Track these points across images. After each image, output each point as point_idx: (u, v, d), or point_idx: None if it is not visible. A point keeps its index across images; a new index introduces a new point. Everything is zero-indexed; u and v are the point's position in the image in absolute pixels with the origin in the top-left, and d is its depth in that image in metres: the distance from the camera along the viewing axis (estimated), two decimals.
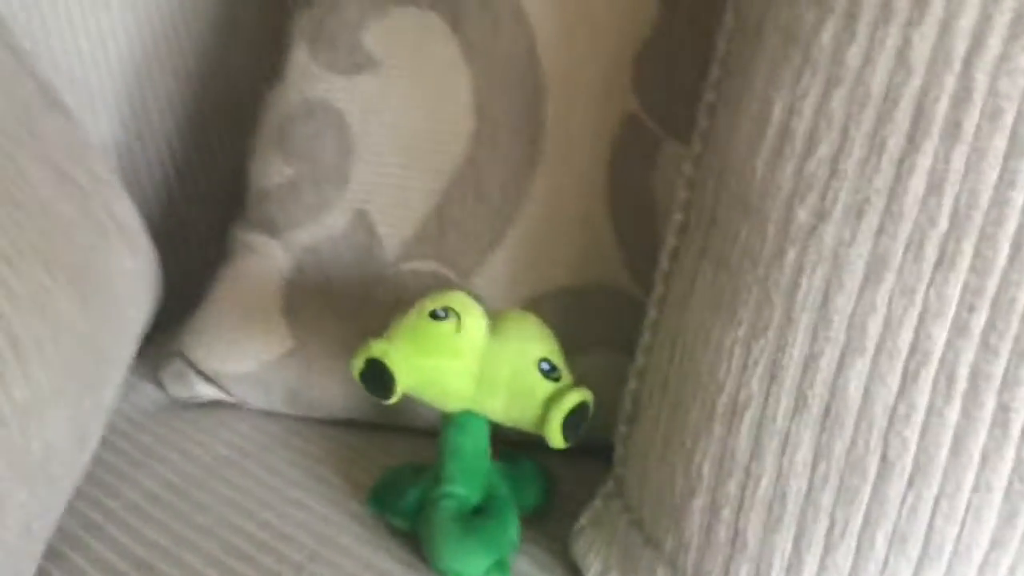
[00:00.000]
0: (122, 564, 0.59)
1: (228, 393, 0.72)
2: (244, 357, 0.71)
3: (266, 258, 0.73)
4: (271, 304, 0.72)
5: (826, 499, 0.48)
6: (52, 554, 0.58)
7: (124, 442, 0.69)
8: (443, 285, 0.68)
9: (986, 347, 0.45)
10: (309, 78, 0.71)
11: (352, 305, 0.70)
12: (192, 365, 0.73)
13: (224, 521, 0.62)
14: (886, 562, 0.48)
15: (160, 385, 0.74)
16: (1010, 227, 0.45)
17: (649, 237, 0.65)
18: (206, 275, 0.75)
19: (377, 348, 0.55)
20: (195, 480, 0.66)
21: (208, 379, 0.72)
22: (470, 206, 0.68)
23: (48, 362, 0.50)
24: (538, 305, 0.67)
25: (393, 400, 0.56)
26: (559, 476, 0.65)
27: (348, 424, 0.72)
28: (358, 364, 0.56)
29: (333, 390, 0.70)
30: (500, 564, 0.57)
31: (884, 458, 0.47)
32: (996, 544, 0.46)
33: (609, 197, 0.67)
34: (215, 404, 0.73)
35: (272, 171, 0.73)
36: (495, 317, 0.59)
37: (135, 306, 0.64)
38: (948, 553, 0.47)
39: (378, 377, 0.55)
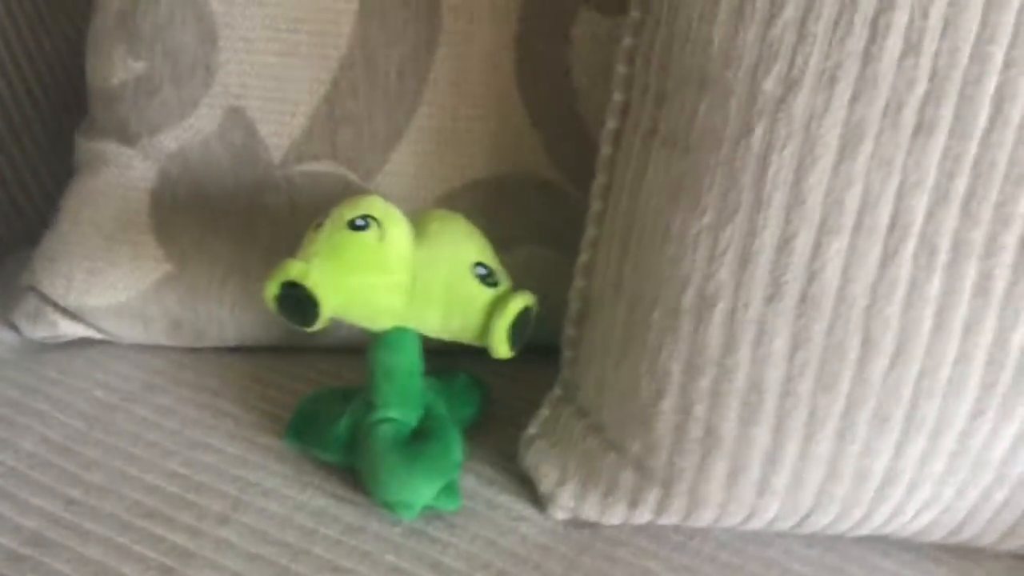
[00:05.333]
0: (10, 541, 0.50)
1: (98, 329, 0.63)
2: (112, 287, 0.62)
3: (122, 169, 0.63)
4: (136, 222, 0.62)
5: (805, 387, 0.46)
6: None
7: None
8: (342, 187, 0.61)
9: (967, 215, 0.43)
10: None
11: (236, 218, 0.62)
12: (49, 300, 0.63)
13: (123, 477, 0.54)
14: (867, 443, 0.46)
15: (14, 327, 0.64)
16: (990, 85, 0.42)
17: (568, 119, 0.60)
18: (55, 195, 0.64)
19: (295, 269, 0.48)
20: (76, 434, 0.57)
21: (71, 315, 0.63)
22: (364, 95, 0.60)
23: None
24: (453, 202, 0.61)
25: (317, 327, 0.49)
26: (489, 384, 0.60)
27: (243, 351, 0.64)
28: (273, 289, 0.48)
29: (223, 315, 0.62)
30: (448, 487, 0.53)
31: (865, 340, 0.45)
32: (976, 414, 0.45)
33: (519, 75, 0.60)
34: (83, 343, 0.64)
35: (117, 67, 0.62)
36: (415, 220, 0.53)
37: None
38: (929, 427, 0.46)
39: (298, 302, 0.48)
